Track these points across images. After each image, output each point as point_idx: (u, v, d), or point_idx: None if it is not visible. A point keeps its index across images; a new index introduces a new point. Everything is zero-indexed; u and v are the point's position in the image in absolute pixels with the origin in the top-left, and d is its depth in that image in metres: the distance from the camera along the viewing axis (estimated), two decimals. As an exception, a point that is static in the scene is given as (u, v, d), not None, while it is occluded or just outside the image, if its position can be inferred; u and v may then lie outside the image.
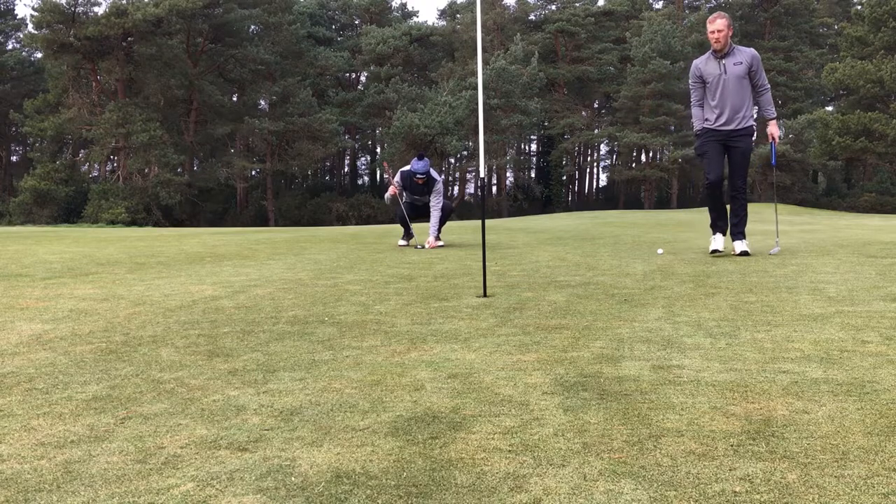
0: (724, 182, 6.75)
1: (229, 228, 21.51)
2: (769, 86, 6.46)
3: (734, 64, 6.32)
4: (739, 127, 6.40)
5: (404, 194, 9.02)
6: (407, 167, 8.96)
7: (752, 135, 6.48)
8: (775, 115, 6.57)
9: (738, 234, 6.54)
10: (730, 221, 6.62)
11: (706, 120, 6.49)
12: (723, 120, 6.39)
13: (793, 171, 42.84)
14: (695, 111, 6.60)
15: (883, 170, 41.47)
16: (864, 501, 1.62)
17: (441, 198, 8.88)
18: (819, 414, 2.17)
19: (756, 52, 6.45)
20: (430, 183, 8.84)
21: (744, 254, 6.32)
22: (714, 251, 6.45)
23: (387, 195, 9.24)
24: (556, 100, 51.43)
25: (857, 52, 40.44)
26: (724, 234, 6.54)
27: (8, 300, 4.54)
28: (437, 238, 8.77)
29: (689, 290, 4.53)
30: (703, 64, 6.50)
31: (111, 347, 3.25)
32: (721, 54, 6.35)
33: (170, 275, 5.79)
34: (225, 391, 2.55)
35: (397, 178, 8.97)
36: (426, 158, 9.00)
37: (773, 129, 6.70)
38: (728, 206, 6.70)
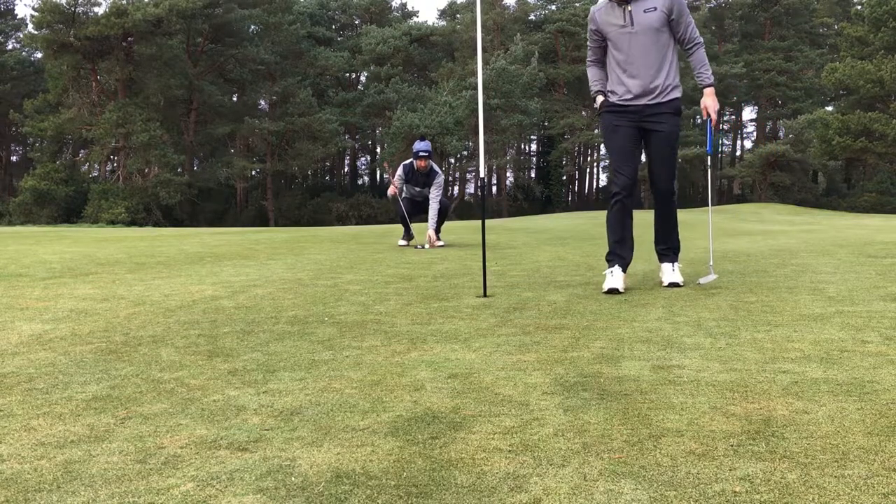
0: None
1: (229, 228, 21.50)
2: (701, 40, 4.66)
3: (644, 11, 4.49)
4: (658, 101, 4.58)
5: (404, 189, 9.09)
6: (408, 160, 9.09)
7: (679, 112, 4.70)
8: (712, 80, 4.64)
9: (669, 256, 4.82)
10: (656, 239, 4.89)
11: (611, 93, 4.70)
12: (635, 92, 4.58)
13: (793, 171, 42.87)
14: (590, 72, 4.83)
15: (883, 170, 41.51)
16: (864, 501, 1.62)
17: (440, 192, 8.99)
18: (819, 414, 2.17)
19: None
20: (431, 174, 8.95)
21: (673, 285, 4.66)
22: (611, 290, 4.49)
23: (388, 192, 9.38)
24: (556, 100, 51.44)
25: (857, 52, 40.51)
26: (626, 268, 4.71)
27: (8, 300, 4.54)
28: (438, 238, 8.82)
29: (689, 290, 4.53)
30: (603, 13, 4.64)
31: (111, 347, 3.25)
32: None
33: (170, 275, 5.79)
34: (225, 391, 2.55)
35: (399, 171, 9.11)
36: (427, 140, 9.22)
37: (710, 101, 4.65)
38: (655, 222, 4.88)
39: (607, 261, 4.73)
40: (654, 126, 4.62)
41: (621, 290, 4.50)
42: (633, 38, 4.52)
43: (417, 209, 9.23)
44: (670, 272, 4.76)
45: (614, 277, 4.58)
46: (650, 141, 4.68)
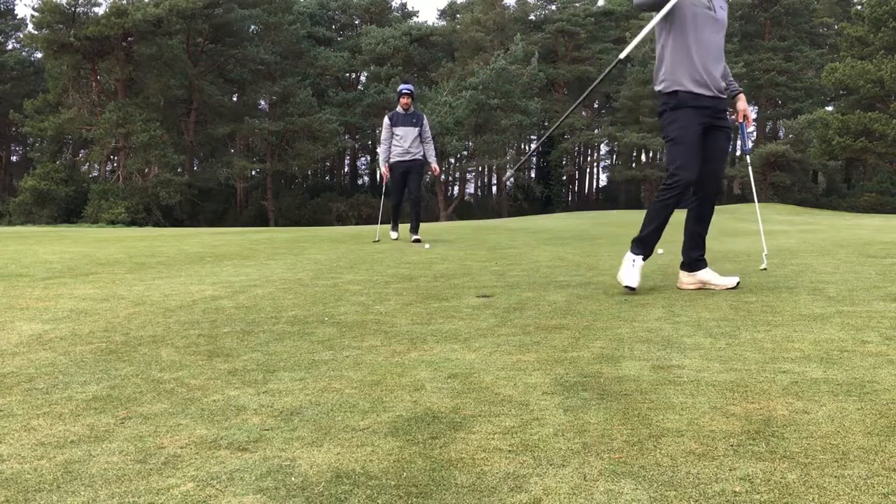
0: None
1: (229, 228, 21.50)
2: None
3: (721, 7, 4.40)
4: (724, 97, 4.50)
5: (393, 145, 9.40)
6: (391, 112, 9.70)
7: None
8: (741, 88, 4.76)
9: (705, 260, 4.60)
10: (696, 245, 4.57)
11: (678, 83, 4.35)
12: (712, 84, 4.36)
13: (793, 171, 42.87)
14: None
15: (883, 170, 41.50)
16: (864, 501, 1.62)
17: (430, 133, 9.58)
18: (819, 414, 2.17)
19: None
20: (418, 116, 9.57)
21: (738, 285, 4.54)
22: (629, 288, 4.41)
23: (381, 168, 9.86)
24: (556, 100, 51.48)
25: (857, 52, 40.52)
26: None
27: (8, 300, 4.54)
28: (417, 235, 9.23)
29: (689, 290, 4.52)
30: None
31: (111, 347, 3.25)
32: None
33: (170, 275, 5.78)
34: (225, 391, 2.55)
35: (385, 121, 9.63)
36: (410, 84, 9.87)
37: (745, 105, 4.75)
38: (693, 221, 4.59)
39: (635, 248, 4.43)
40: (721, 123, 4.46)
41: (636, 288, 4.38)
42: (713, 27, 4.33)
43: (411, 168, 9.48)
44: (718, 276, 4.58)
45: (635, 269, 4.39)
46: (716, 138, 4.44)
